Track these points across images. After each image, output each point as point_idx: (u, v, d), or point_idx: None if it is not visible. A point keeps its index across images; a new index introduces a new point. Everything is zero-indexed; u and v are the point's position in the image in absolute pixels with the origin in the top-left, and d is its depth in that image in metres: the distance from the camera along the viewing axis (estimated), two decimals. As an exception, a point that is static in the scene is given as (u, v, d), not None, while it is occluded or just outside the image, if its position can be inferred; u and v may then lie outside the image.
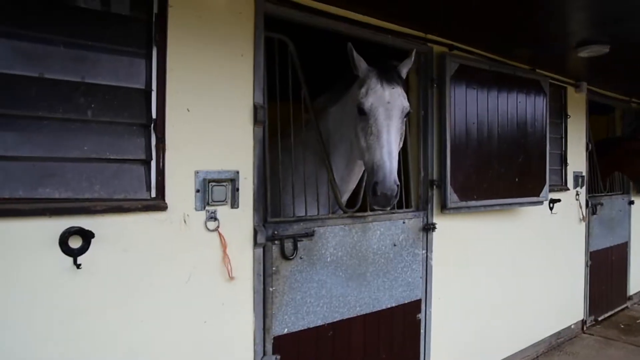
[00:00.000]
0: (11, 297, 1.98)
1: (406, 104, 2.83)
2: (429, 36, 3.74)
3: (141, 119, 2.34)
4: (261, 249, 2.74)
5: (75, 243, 2.11)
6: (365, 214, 3.32)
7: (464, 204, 3.83)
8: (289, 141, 3.09)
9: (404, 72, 3.00)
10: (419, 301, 3.69)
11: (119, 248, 2.24)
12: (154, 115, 2.36)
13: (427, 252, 3.72)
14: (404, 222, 3.55)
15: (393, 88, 2.80)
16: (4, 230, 1.95)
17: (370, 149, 2.70)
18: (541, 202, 4.54)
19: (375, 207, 2.70)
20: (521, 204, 4.36)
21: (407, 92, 3.70)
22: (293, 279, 2.90)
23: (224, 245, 2.58)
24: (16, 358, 1.98)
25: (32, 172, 2.05)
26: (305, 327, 2.97)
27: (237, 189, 2.63)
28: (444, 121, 3.70)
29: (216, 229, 2.55)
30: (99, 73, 2.21)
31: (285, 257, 2.84)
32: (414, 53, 3.03)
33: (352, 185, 3.24)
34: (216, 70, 2.55)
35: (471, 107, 3.87)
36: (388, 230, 3.45)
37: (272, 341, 2.81)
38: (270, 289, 2.79)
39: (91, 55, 2.19)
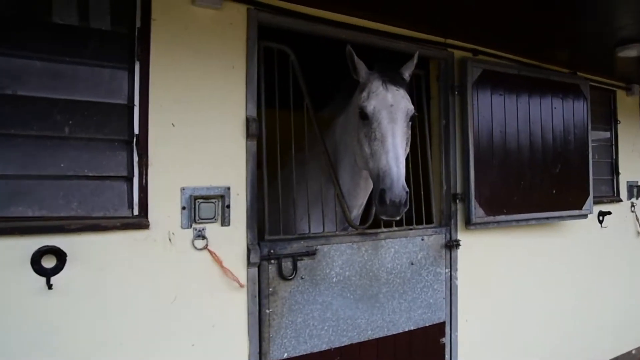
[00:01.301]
0: (-18, 318, 1.95)
1: (410, 106, 2.64)
2: (449, 41, 3.49)
3: (122, 134, 2.28)
4: (255, 269, 2.59)
5: (48, 263, 2.05)
6: (377, 230, 3.09)
7: (491, 218, 3.50)
8: (293, 154, 2.94)
9: (406, 75, 2.81)
10: (443, 324, 3.38)
11: (95, 267, 2.16)
12: (136, 131, 2.29)
13: (450, 271, 3.41)
14: (422, 239, 3.28)
15: (397, 90, 2.62)
16: (-25, 250, 1.93)
17: (375, 155, 2.51)
18: (585, 216, 4.08)
19: (384, 218, 2.49)
20: (561, 218, 3.94)
21: (428, 100, 3.52)
22: (293, 300, 2.72)
23: (219, 261, 2.45)
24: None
25: (5, 190, 2.02)
26: (308, 352, 2.77)
27: (228, 206, 2.50)
28: (466, 130, 3.42)
29: (205, 248, 2.43)
30: (77, 89, 2.18)
31: (283, 277, 2.67)
32: (416, 55, 2.82)
33: (361, 200, 3.02)
34: (205, 84, 2.46)
35: (498, 114, 3.56)
36: (404, 248, 3.19)
37: (270, 367, 2.63)
38: (267, 311, 2.62)
39: (69, 72, 2.16)
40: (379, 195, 2.39)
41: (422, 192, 3.38)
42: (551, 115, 3.85)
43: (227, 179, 2.52)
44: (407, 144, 2.62)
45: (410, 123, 2.67)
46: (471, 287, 3.51)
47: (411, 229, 3.25)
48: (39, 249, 2.02)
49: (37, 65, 2.10)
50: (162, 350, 2.32)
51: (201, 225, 2.43)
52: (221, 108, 2.51)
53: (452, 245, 3.40)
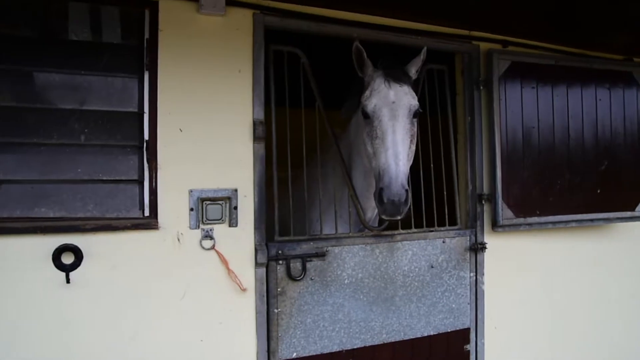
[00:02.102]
0: (8, 307, 2.17)
1: (414, 102, 2.59)
2: (474, 33, 3.34)
3: (134, 140, 2.43)
4: (263, 269, 2.66)
5: (67, 259, 2.25)
6: (393, 232, 3.05)
7: (521, 220, 3.31)
8: (305, 156, 2.98)
9: (412, 71, 2.76)
10: (467, 330, 3.26)
11: (109, 265, 2.34)
12: (146, 137, 2.44)
13: (476, 275, 3.28)
14: (444, 242, 3.19)
15: (400, 86, 2.59)
16: (1, 247, 2.16)
17: (376, 153, 2.51)
18: (639, 218, 3.74)
19: (385, 218, 2.46)
20: (607, 220, 3.64)
21: (453, 97, 3.40)
22: (302, 300, 2.76)
23: (225, 262, 2.55)
24: (8, 365, 2.16)
25: (29, 194, 2.25)
26: (319, 353, 2.80)
27: (236, 207, 2.59)
28: (492, 127, 3.26)
29: (212, 248, 2.53)
30: (92, 99, 2.36)
31: (291, 277, 2.71)
32: (424, 50, 2.75)
33: (373, 201, 2.98)
34: (211, 88, 2.56)
35: (529, 109, 3.36)
36: (423, 250, 3.12)
37: (279, 365, 2.70)
38: (275, 310, 2.69)
39: (85, 84, 2.35)
40: (378, 194, 2.38)
41: (445, 193, 3.28)
42: (595, 107, 3.57)
43: (234, 181, 2.60)
44: (411, 141, 2.56)
45: (415, 120, 2.62)
46: (500, 293, 3.35)
47: (431, 231, 3.17)
48: (59, 246, 2.22)
49: (56, 79, 2.31)
50: (173, 343, 2.46)
51: (209, 226, 2.54)
52: (228, 112, 2.60)
53: (477, 248, 3.27)
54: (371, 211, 3.03)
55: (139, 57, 2.44)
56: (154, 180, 2.44)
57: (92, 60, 2.36)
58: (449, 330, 3.19)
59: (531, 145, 3.35)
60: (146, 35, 2.45)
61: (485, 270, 3.31)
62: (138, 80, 2.44)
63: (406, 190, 2.32)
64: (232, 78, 2.61)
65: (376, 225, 3.06)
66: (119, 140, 2.41)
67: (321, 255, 2.79)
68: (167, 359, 2.44)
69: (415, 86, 3.30)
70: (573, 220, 3.49)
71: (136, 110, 2.44)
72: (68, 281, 2.23)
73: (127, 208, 2.42)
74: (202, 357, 2.52)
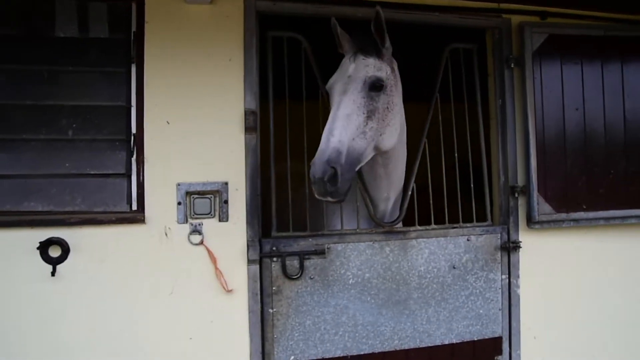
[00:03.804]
0: (-2, 298, 2.24)
1: (372, 73, 2.31)
2: (504, 5, 2.96)
3: (121, 134, 2.42)
4: (256, 266, 2.52)
5: (54, 252, 2.28)
6: (406, 228, 2.78)
7: (563, 216, 2.87)
8: (306, 147, 2.80)
9: (387, 42, 2.46)
10: (499, 339, 2.88)
11: (96, 258, 2.34)
12: (133, 130, 2.42)
13: (509, 278, 2.90)
14: (468, 239, 2.85)
15: (364, 59, 2.35)
16: (-8, 239, 2.24)
17: None
18: None
19: (318, 198, 2.18)
20: (679, 217, 3.05)
21: (483, 78, 3.05)
22: (300, 301, 2.59)
23: (213, 260, 2.46)
24: (-4, 354, 2.23)
25: (19, 188, 2.31)
26: (320, 357, 2.61)
27: (226, 201, 2.49)
28: (525, 109, 2.86)
29: (201, 243, 2.45)
30: (80, 95, 2.39)
31: (287, 276, 2.55)
32: (377, 9, 2.32)
33: (384, 192, 2.71)
34: (200, 79, 2.49)
35: (572, 88, 2.90)
36: (442, 249, 2.80)
37: (275, 368, 2.55)
38: (270, 310, 2.54)
39: (73, 79, 2.39)
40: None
41: (472, 185, 2.94)
42: (659, 84, 3.01)
43: (224, 174, 2.50)
44: (369, 117, 2.26)
45: (376, 93, 2.31)
46: (539, 298, 2.93)
47: (453, 227, 2.84)
48: (46, 240, 2.26)
49: (45, 75, 2.35)
50: (160, 340, 2.41)
51: (197, 221, 2.46)
52: (217, 103, 2.50)
53: (510, 247, 2.88)
54: (383, 204, 2.76)
55: (126, 51, 2.43)
56: (141, 174, 2.41)
57: (80, 55, 2.38)
58: (476, 339, 2.85)
59: (575, 129, 2.90)
60: (133, 29, 2.43)
61: (521, 273, 2.91)
62: (125, 74, 2.42)
63: (333, 168, 2.05)
64: (222, 68, 2.52)
65: (392, 220, 2.80)
66: (107, 134, 2.41)
67: (320, 252, 2.60)
68: (154, 355, 2.39)
69: (431, 66, 3.01)
70: (632, 216, 2.96)
71: (124, 104, 2.42)
72: (53, 274, 2.26)
73: (115, 202, 2.41)
74: (192, 355, 2.44)
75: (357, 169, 2.24)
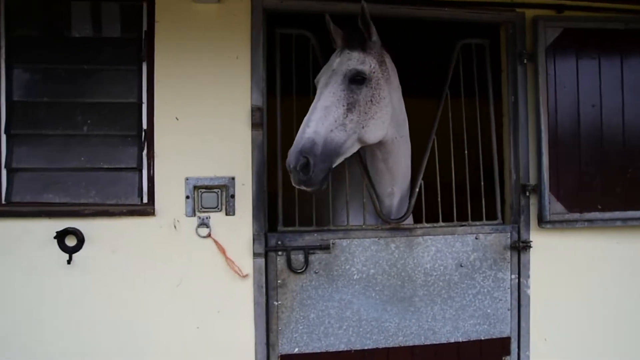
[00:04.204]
0: (16, 281, 2.38)
1: (354, 66, 2.32)
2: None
3: (132, 130, 2.52)
4: (262, 259, 2.58)
5: (70, 242, 2.41)
6: (412, 225, 2.78)
7: (576, 216, 2.80)
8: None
9: (374, 36, 2.45)
10: (507, 340, 2.85)
11: (108, 248, 2.45)
12: (144, 126, 2.51)
13: (519, 278, 2.85)
14: (476, 238, 2.82)
15: (349, 53, 2.37)
16: (13, 228, 2.38)
17: None
18: None
19: (294, 186, 2.23)
20: None
21: (495, 74, 3.00)
22: (305, 295, 2.63)
23: (222, 250, 2.53)
24: (15, 339, 2.37)
25: (38, 181, 2.45)
26: (323, 350, 2.65)
27: (233, 196, 2.56)
28: (537, 106, 2.80)
29: (208, 236, 2.53)
30: (94, 92, 2.50)
31: (292, 270, 2.60)
32: (362, 4, 2.34)
33: (388, 187, 2.70)
34: (208, 77, 2.55)
35: (589, 84, 2.82)
36: (450, 247, 2.79)
37: (279, 359, 2.60)
38: (275, 303, 2.60)
39: (87, 77, 2.50)
40: None
41: (482, 183, 2.91)
42: (686, 80, 2.88)
43: (231, 169, 2.57)
44: (349, 109, 2.26)
45: (357, 86, 2.31)
46: (551, 299, 2.86)
47: (461, 225, 2.82)
48: (63, 230, 2.39)
49: (62, 74, 2.47)
50: (168, 328, 2.50)
51: (205, 214, 2.53)
52: (225, 99, 2.56)
53: (520, 246, 2.84)
54: (388, 199, 2.76)
55: (137, 50, 2.52)
56: (151, 168, 2.50)
57: (94, 54, 2.49)
58: (483, 338, 2.82)
59: (591, 126, 2.82)
60: (144, 28, 2.51)
61: (531, 273, 2.85)
62: (137, 72, 2.52)
63: (305, 158, 2.09)
64: (230, 65, 2.58)
65: (400, 216, 2.80)
66: (119, 130, 2.51)
67: (325, 247, 2.63)
68: (162, 343, 2.49)
69: (443, 62, 2.98)
70: (653, 217, 2.86)
71: (135, 100, 2.52)
72: (69, 262, 2.38)
73: (127, 195, 2.51)
74: (199, 343, 2.53)
75: (338, 159, 2.26)
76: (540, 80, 2.78)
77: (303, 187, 2.18)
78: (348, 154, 2.32)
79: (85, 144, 2.49)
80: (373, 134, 2.35)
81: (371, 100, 2.32)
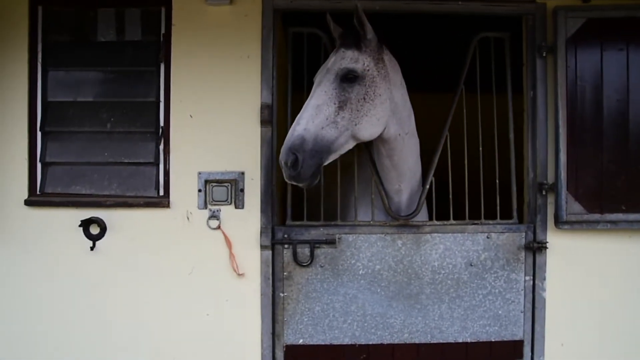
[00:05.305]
0: (48, 264, 2.64)
1: (346, 65, 2.33)
2: (539, -10, 2.78)
3: (151, 127, 2.70)
4: (269, 252, 2.68)
5: (94, 230, 2.63)
6: (420, 222, 2.76)
7: (597, 217, 2.66)
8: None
9: (369, 34, 2.42)
10: (519, 343, 2.77)
11: (127, 237, 2.65)
12: (161, 123, 2.69)
13: (534, 279, 2.76)
14: (488, 237, 2.76)
15: (344, 52, 2.39)
16: (46, 216, 2.64)
17: None
18: None
19: (286, 181, 2.33)
20: None
21: (515, 69, 2.92)
22: (311, 287, 2.70)
23: (228, 244, 2.66)
24: (41, 318, 2.63)
25: (67, 174, 2.69)
26: (328, 343, 2.71)
27: (242, 190, 2.67)
28: (555, 100, 2.69)
29: (218, 227, 2.66)
30: (117, 91, 2.70)
31: (298, 262, 2.68)
32: (356, 3, 2.35)
33: (395, 184, 2.69)
34: (220, 76, 2.68)
35: (614, 77, 2.66)
36: (459, 245, 2.75)
37: (284, 349, 2.70)
38: (281, 294, 2.69)
39: (111, 78, 2.71)
40: None
41: (497, 181, 2.83)
42: None
43: (241, 165, 2.68)
44: (340, 107, 2.28)
45: (349, 85, 2.32)
46: (568, 303, 2.74)
47: (474, 224, 2.77)
48: (87, 219, 2.61)
49: (90, 76, 2.70)
50: (180, 314, 2.67)
51: (216, 207, 2.67)
52: (236, 97, 2.68)
53: (536, 247, 2.74)
54: (397, 196, 2.76)
55: (156, 52, 2.69)
56: (167, 163, 2.67)
57: (117, 57, 2.69)
58: (493, 340, 2.76)
59: (615, 122, 2.66)
60: (162, 31, 2.68)
61: (547, 275, 2.75)
62: (156, 72, 2.69)
63: (294, 154, 2.15)
64: (241, 64, 2.69)
65: (410, 213, 2.79)
66: (140, 127, 2.70)
67: (331, 242, 2.69)
68: (174, 327, 2.66)
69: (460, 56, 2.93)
70: (685, 220, 2.65)
71: (154, 99, 2.69)
72: (92, 248, 2.60)
73: (145, 187, 2.70)
74: (208, 330, 2.67)
75: (331, 156, 2.30)
76: (559, 74, 2.66)
77: (294, 182, 2.26)
78: (342, 151, 2.36)
79: (108, 140, 2.70)
80: (367, 131, 2.37)
81: (364, 98, 2.34)
